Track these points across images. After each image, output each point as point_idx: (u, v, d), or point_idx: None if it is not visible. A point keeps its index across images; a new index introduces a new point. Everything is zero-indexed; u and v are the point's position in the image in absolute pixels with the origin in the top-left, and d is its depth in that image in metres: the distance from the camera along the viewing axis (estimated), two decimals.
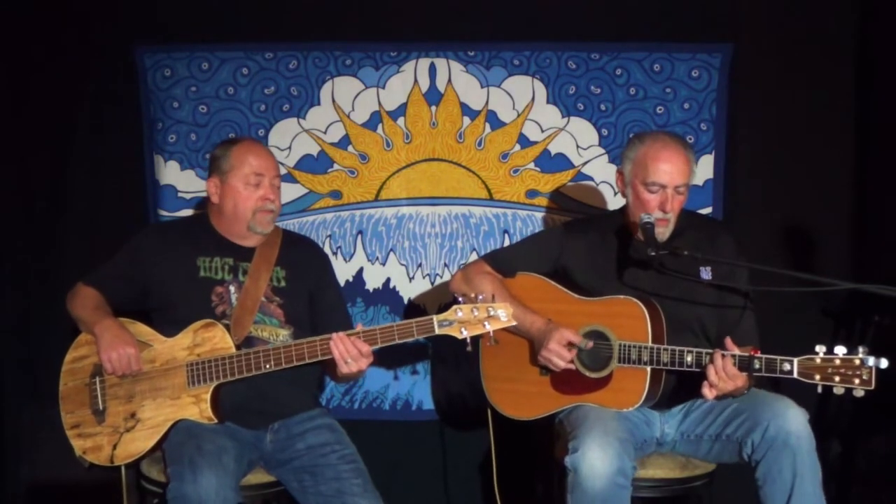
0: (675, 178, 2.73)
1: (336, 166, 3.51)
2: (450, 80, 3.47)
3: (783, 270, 2.85)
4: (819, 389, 2.44)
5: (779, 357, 2.49)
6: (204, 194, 3.42)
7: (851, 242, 3.47)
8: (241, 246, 2.86)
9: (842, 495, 3.27)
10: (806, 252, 3.38)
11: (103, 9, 3.46)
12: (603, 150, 3.47)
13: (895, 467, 3.21)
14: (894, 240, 3.28)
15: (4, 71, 3.46)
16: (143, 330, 2.79)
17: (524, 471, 3.22)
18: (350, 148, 3.50)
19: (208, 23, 3.46)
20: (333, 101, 3.49)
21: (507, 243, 3.43)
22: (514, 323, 2.61)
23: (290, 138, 3.50)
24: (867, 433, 2.37)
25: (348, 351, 2.62)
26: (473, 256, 3.46)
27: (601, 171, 3.47)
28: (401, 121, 3.49)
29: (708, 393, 2.56)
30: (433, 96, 3.48)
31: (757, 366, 2.51)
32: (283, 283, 2.86)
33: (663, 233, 2.75)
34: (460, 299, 2.60)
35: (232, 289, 2.81)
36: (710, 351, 2.58)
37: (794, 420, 2.54)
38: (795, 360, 2.46)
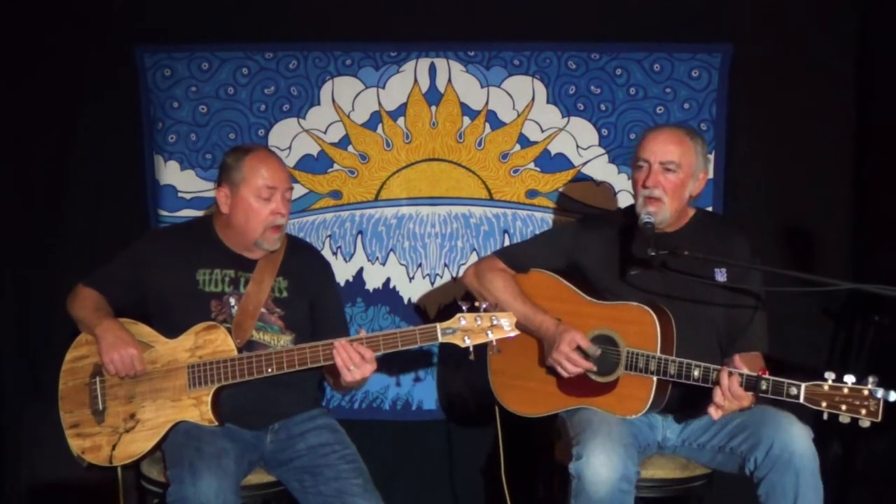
0: (660, 153, 2.73)
1: (336, 166, 3.51)
2: (450, 80, 3.47)
3: (784, 270, 2.85)
4: (824, 416, 2.39)
5: (786, 380, 2.44)
6: (204, 194, 3.46)
7: (851, 242, 3.46)
8: (245, 257, 2.84)
9: (842, 495, 3.27)
10: (806, 252, 3.38)
11: (103, 9, 3.45)
12: (603, 150, 3.47)
13: (895, 467, 3.21)
14: (894, 240, 3.28)
15: (4, 70, 3.46)
16: (144, 331, 2.79)
17: (524, 471, 3.22)
18: (350, 148, 3.50)
19: (208, 23, 3.46)
20: (333, 101, 3.49)
21: (507, 243, 3.43)
22: (516, 332, 2.61)
23: (290, 138, 3.50)
24: (867, 433, 2.35)
25: (351, 358, 2.61)
26: (473, 256, 3.46)
27: (601, 171, 3.48)
28: (401, 121, 3.49)
29: (714, 413, 2.54)
30: (433, 96, 3.48)
31: (764, 387, 2.47)
32: (284, 294, 2.85)
33: (656, 213, 2.72)
34: (464, 307, 2.60)
35: (231, 301, 2.80)
36: (717, 367, 2.55)
37: (798, 439, 2.52)
38: (803, 386, 2.42)
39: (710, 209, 3.41)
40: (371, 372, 2.65)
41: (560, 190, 3.49)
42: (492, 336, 2.57)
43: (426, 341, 2.62)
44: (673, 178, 2.74)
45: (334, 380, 2.81)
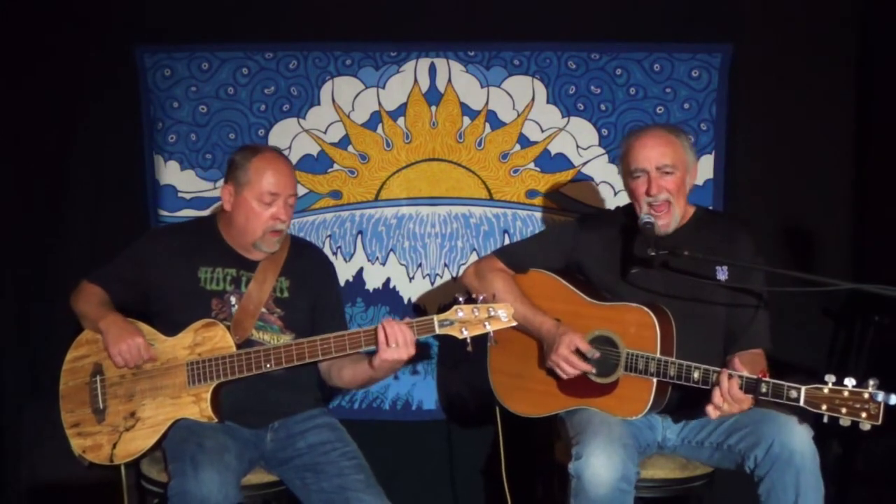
0: (655, 158, 2.72)
1: (336, 166, 3.51)
2: (450, 80, 3.47)
3: (784, 270, 2.84)
4: (825, 419, 2.38)
5: (786, 384, 2.43)
6: (204, 194, 3.46)
7: (851, 242, 3.46)
8: (247, 257, 2.84)
9: (842, 495, 3.27)
10: (806, 252, 3.38)
11: (103, 9, 3.46)
12: (603, 150, 3.47)
13: (895, 467, 3.21)
14: (894, 240, 3.28)
15: (4, 70, 3.46)
16: (144, 329, 2.78)
17: (524, 471, 3.22)
18: (350, 148, 3.50)
19: (208, 23, 3.47)
20: (333, 101, 3.49)
21: (507, 243, 3.42)
22: (514, 323, 2.60)
23: (290, 138, 3.50)
24: (867, 435, 2.35)
25: (402, 332, 2.59)
26: (473, 256, 3.46)
27: (601, 171, 3.48)
28: (401, 121, 3.49)
29: (712, 413, 2.52)
30: (433, 96, 3.48)
31: (764, 389, 2.45)
32: (285, 294, 2.85)
33: (667, 224, 2.73)
34: (460, 299, 2.60)
35: (233, 299, 2.80)
36: (717, 370, 2.54)
37: (798, 437, 2.51)
38: (803, 389, 2.40)
39: (712, 208, 3.41)
40: (408, 357, 2.62)
41: (560, 190, 3.49)
42: (489, 327, 2.57)
43: (423, 333, 2.61)
44: (673, 179, 2.74)
45: (348, 368, 2.79)
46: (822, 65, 3.44)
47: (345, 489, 2.65)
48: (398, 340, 2.60)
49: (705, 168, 3.42)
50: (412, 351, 2.62)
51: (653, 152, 2.73)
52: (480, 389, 3.03)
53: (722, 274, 2.75)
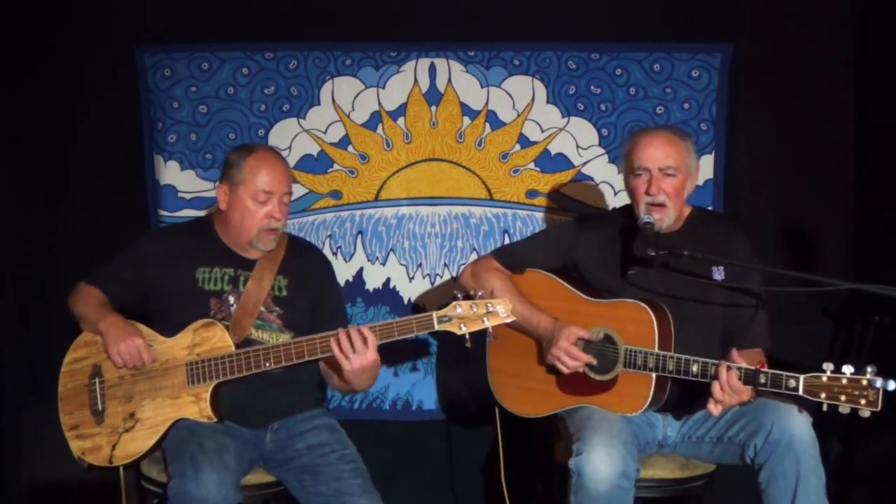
0: (658, 159, 2.73)
1: (336, 166, 3.51)
2: (450, 80, 3.47)
3: (784, 270, 2.84)
4: (824, 408, 2.39)
5: (784, 373, 2.44)
6: (204, 194, 3.47)
7: (851, 242, 3.47)
8: (245, 256, 2.84)
9: (842, 495, 3.27)
10: (806, 252, 3.38)
11: (103, 9, 3.46)
12: (603, 150, 3.47)
13: (895, 467, 3.21)
14: (894, 240, 3.28)
15: (4, 70, 3.46)
16: (143, 330, 2.78)
17: (524, 471, 3.22)
18: (350, 148, 3.50)
19: (208, 23, 3.46)
20: (333, 101, 3.49)
21: (507, 243, 3.42)
22: (512, 318, 2.61)
23: (290, 138, 3.50)
24: (867, 433, 2.35)
25: (353, 341, 2.59)
26: (473, 256, 3.46)
27: (601, 171, 3.48)
28: (401, 121, 3.49)
29: (714, 409, 2.53)
30: (433, 96, 3.48)
31: (762, 380, 2.46)
32: (284, 293, 2.85)
33: (661, 219, 2.73)
34: (459, 295, 2.60)
35: (231, 299, 2.80)
36: (715, 362, 2.54)
37: (797, 423, 2.52)
38: (801, 378, 2.41)
39: (709, 209, 3.41)
40: (372, 361, 2.62)
41: (560, 190, 3.49)
42: (488, 322, 2.57)
43: (422, 329, 2.61)
44: (673, 181, 2.74)
45: (337, 377, 2.80)
46: (822, 65, 3.44)
47: (342, 493, 2.65)
48: (356, 348, 2.60)
49: (705, 168, 3.42)
50: (374, 356, 2.61)
51: (657, 152, 2.74)
52: (480, 389, 3.03)
53: (718, 274, 2.76)
